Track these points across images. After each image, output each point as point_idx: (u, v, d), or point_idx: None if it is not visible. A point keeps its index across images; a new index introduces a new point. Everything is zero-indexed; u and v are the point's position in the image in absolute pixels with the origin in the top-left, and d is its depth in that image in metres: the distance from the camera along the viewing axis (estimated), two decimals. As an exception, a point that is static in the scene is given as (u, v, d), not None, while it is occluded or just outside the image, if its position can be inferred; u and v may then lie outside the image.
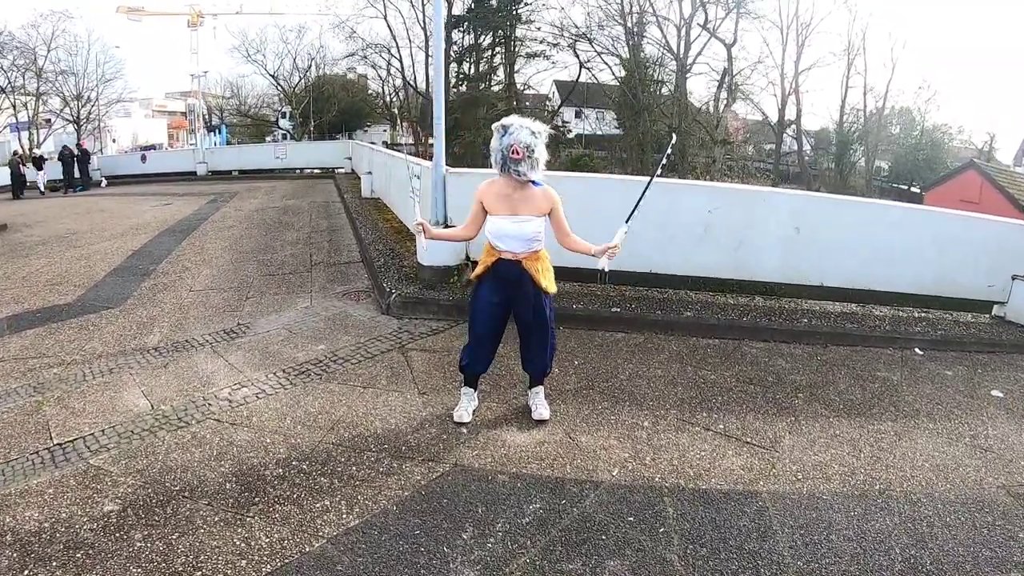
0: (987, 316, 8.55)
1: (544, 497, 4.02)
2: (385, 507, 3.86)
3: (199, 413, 5.02)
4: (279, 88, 49.25)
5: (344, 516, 3.76)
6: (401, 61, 43.86)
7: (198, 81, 33.89)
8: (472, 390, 5.07)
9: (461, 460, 4.40)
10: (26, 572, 3.25)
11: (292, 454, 4.42)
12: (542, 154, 4.39)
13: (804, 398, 5.73)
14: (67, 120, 43.40)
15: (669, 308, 7.50)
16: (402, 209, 12.18)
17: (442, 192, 7.98)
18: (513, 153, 4.29)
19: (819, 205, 8.66)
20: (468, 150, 37.67)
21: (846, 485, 4.38)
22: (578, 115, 48.82)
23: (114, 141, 50.31)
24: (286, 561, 3.38)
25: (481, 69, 43.76)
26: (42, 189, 25.81)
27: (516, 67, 43.86)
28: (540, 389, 5.11)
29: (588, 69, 42.37)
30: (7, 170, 26.04)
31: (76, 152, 28.18)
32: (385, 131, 53.99)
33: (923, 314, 8.19)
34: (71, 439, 4.60)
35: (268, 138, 49.00)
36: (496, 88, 43.79)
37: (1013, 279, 8.41)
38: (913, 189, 40.72)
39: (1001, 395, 6.22)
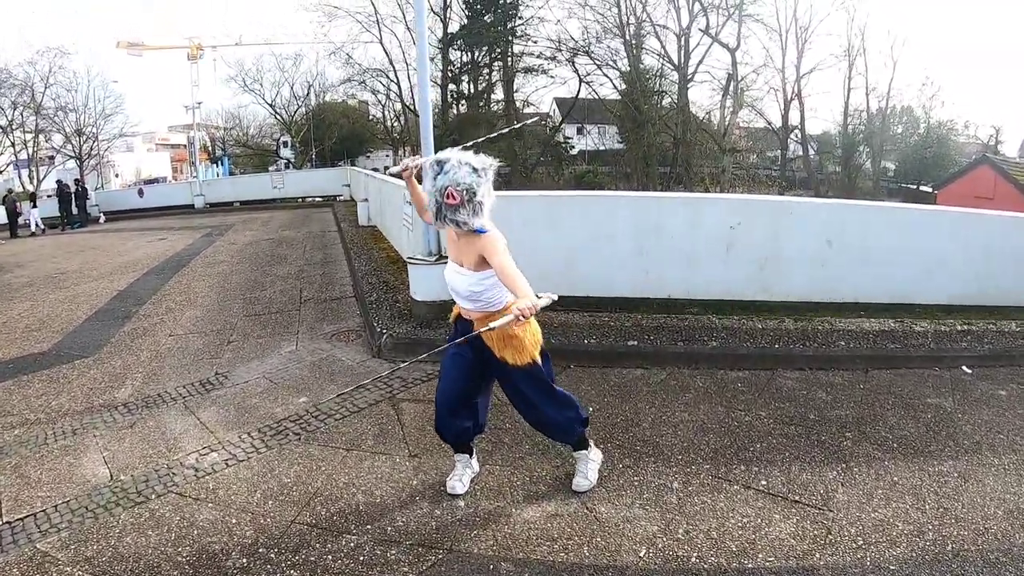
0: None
1: (558, 593, 3.30)
2: (364, 613, 3.15)
3: (161, 485, 4.39)
4: (277, 117, 49.01)
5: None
6: (399, 85, 43.47)
7: (193, 112, 33.54)
8: (466, 455, 4.30)
9: (457, 544, 3.68)
10: None
11: (260, 538, 3.75)
12: (487, 195, 3.58)
13: (852, 438, 5.01)
14: (68, 156, 43.09)
15: (692, 337, 6.76)
16: (397, 237, 11.53)
17: (434, 220, 7.25)
18: (448, 198, 3.49)
19: (854, 214, 7.94)
20: (468, 171, 37.14)
21: (914, 549, 3.68)
22: (580, 131, 48.24)
23: (117, 176, 50.17)
24: None
25: (479, 87, 43.23)
26: (33, 229, 25.14)
27: (515, 85, 43.30)
28: (584, 454, 4.25)
29: (588, 84, 41.82)
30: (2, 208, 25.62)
31: (73, 188, 27.64)
32: (387, 156, 53.66)
33: (966, 326, 7.46)
34: (22, 516, 4.10)
35: (271, 167, 48.71)
36: (495, 107, 43.25)
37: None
38: (923, 188, 39.98)
39: (1063, 415, 5.51)
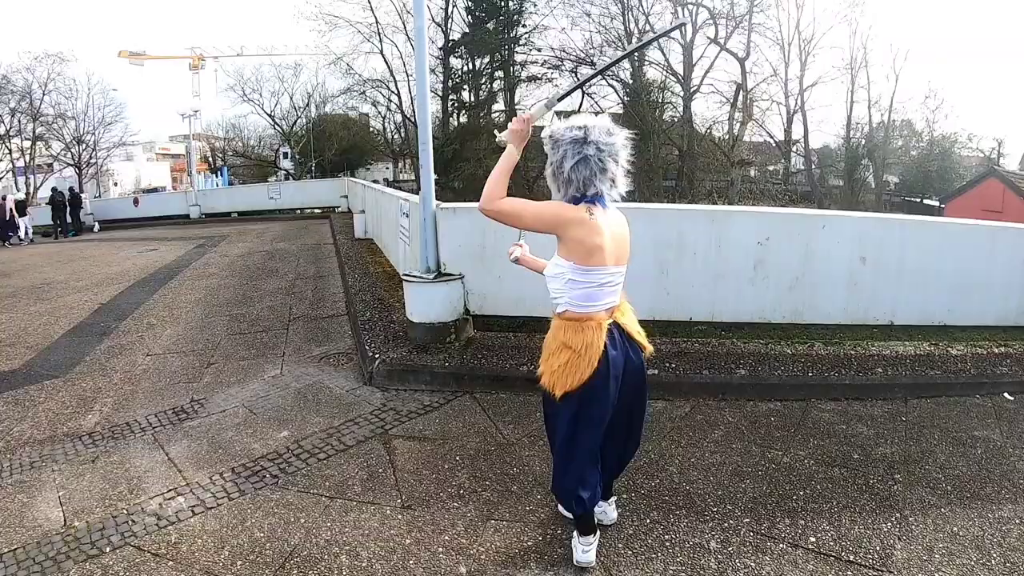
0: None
1: None
2: None
3: (118, 535, 3.80)
4: (277, 128, 48.60)
5: None
6: (399, 96, 42.92)
7: (189, 121, 33.06)
8: (607, 500, 3.79)
9: (457, 626, 3.07)
10: None
11: (224, 611, 3.12)
12: (561, 168, 3.17)
13: (903, 481, 4.44)
14: (67, 164, 42.60)
15: (717, 365, 6.14)
16: (394, 251, 10.95)
17: (432, 232, 6.68)
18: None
19: (889, 229, 7.30)
20: (469, 184, 36.58)
21: (987, 617, 3.10)
22: (581, 144, 47.71)
23: (116, 184, 49.76)
24: None
25: (480, 97, 42.71)
26: (21, 236, 24.42)
27: (517, 95, 42.76)
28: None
29: (591, 96, 41.33)
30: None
31: (67, 196, 27.04)
32: (388, 168, 53.30)
33: (1003, 349, 6.91)
34: (-39, 564, 3.52)
35: (271, 178, 48.31)
36: (496, 116, 42.70)
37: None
38: (929, 201, 39.56)
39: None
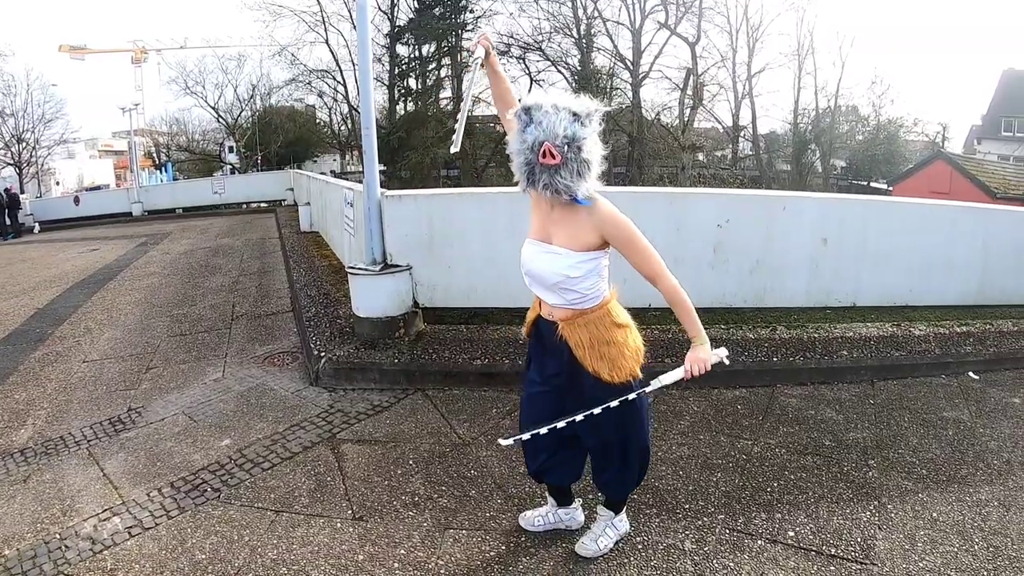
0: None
1: None
2: None
3: (50, 563, 3.45)
4: (221, 121, 47.55)
5: None
6: (345, 86, 42.22)
7: (130, 115, 31.90)
8: (566, 508, 3.54)
9: (416, 648, 2.79)
10: None
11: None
12: (594, 151, 2.69)
13: (877, 467, 4.32)
14: (6, 163, 41.03)
15: (679, 352, 5.87)
16: (339, 244, 10.58)
17: (378, 222, 6.35)
18: (544, 156, 2.61)
19: (850, 210, 7.20)
20: (416, 173, 36.12)
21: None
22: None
23: (58, 184, 48.27)
24: None
25: (427, 84, 42.16)
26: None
27: (464, 82, 42.34)
28: (610, 515, 3.43)
29: (539, 83, 41.09)
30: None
31: (4, 198, 25.93)
32: (335, 160, 52.49)
33: (964, 328, 6.87)
34: None
35: (217, 173, 47.25)
36: (444, 103, 42.20)
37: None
38: (876, 184, 40.25)
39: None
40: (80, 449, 4.80)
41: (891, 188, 33.38)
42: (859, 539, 3.51)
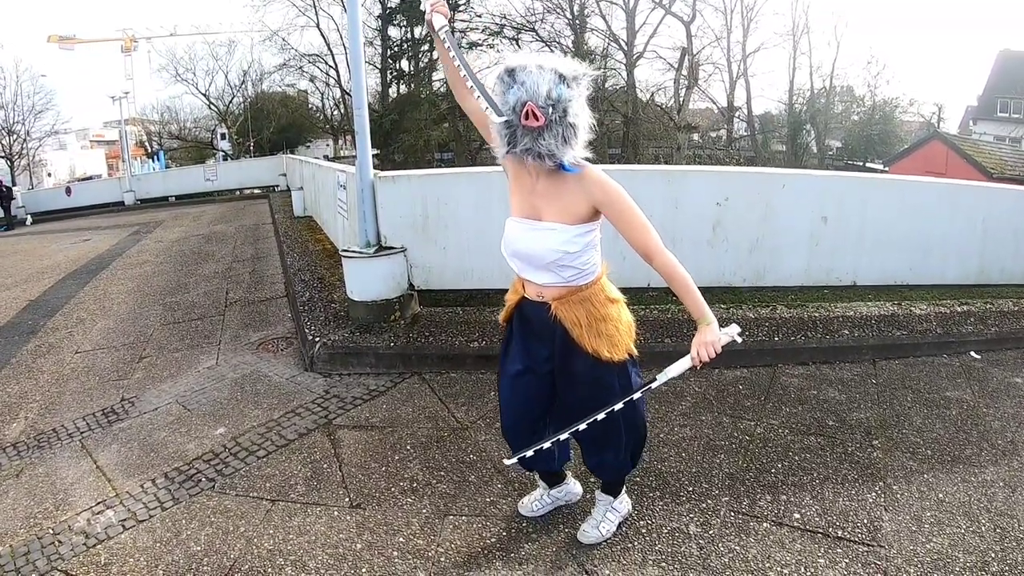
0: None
1: None
2: None
3: (44, 559, 3.38)
4: (213, 108, 47.23)
5: None
6: (337, 71, 41.83)
7: (120, 104, 31.59)
8: (552, 486, 3.46)
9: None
10: None
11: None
12: (582, 115, 2.48)
13: (882, 446, 4.26)
14: (-3, 156, 40.82)
15: (679, 332, 5.83)
16: (332, 227, 10.46)
17: (371, 204, 6.22)
18: (527, 118, 2.40)
19: (851, 188, 7.11)
20: (410, 155, 35.86)
21: (983, 586, 2.98)
22: (522, 113, 47.21)
23: (50, 175, 47.96)
24: None
25: (420, 65, 41.78)
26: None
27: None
28: (609, 500, 3.33)
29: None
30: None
31: (-2, 190, 25.74)
32: (328, 145, 52.22)
33: (965, 307, 6.80)
34: None
35: (210, 160, 46.99)
36: (437, 85, 41.88)
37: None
38: (871, 164, 40.15)
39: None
40: (73, 441, 4.73)
41: (887, 168, 33.37)
42: (865, 521, 3.45)
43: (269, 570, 3.16)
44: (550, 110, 2.40)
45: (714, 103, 43.35)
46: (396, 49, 41.10)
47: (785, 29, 43.72)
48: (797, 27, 41.92)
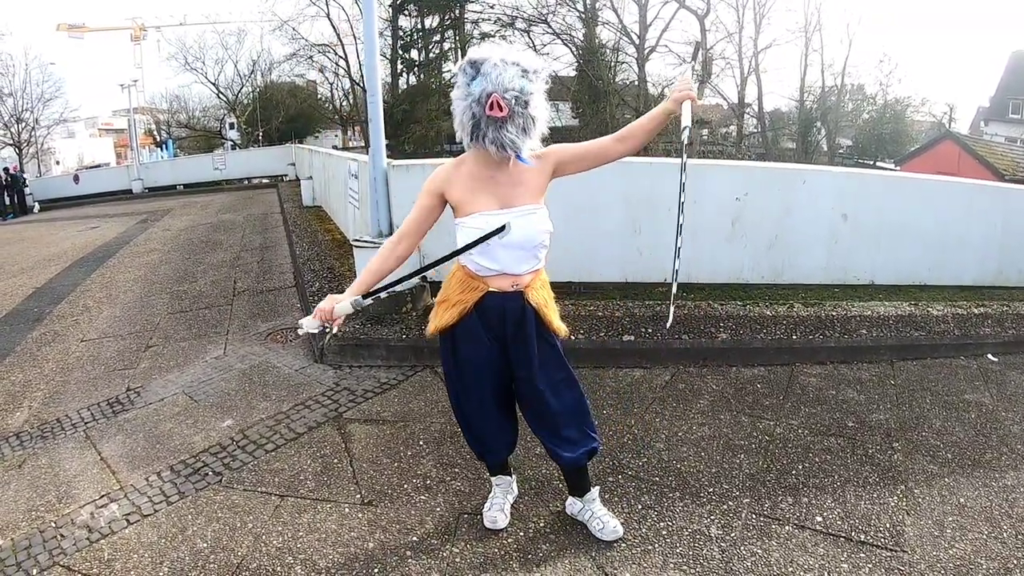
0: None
1: None
2: None
3: (45, 553, 3.28)
4: (222, 97, 47.18)
5: None
6: (347, 60, 41.75)
7: (129, 91, 31.55)
8: (507, 477, 3.39)
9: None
10: None
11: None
12: (540, 108, 2.64)
13: (902, 449, 4.17)
14: (6, 143, 40.71)
15: (696, 329, 5.74)
16: (343, 217, 10.36)
17: (384, 192, 6.12)
18: (491, 108, 2.52)
19: (872, 185, 6.99)
20: (420, 146, 35.72)
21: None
22: (532, 107, 46.96)
23: (58, 163, 47.98)
24: None
25: (430, 56, 41.61)
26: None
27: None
28: (595, 493, 3.30)
29: (543, 57, 40.47)
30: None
31: (4, 177, 25.67)
32: (336, 136, 52.14)
33: (982, 309, 6.72)
34: None
35: (218, 150, 46.97)
36: (447, 75, 41.69)
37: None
38: (882, 164, 39.91)
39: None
40: (77, 432, 4.64)
41: (898, 167, 33.17)
42: (888, 525, 3.36)
43: (278, 568, 3.07)
44: (513, 101, 2.54)
45: (725, 99, 43.12)
46: (407, 39, 40.93)
47: (797, 26, 43.47)
48: (809, 24, 41.55)
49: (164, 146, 51.05)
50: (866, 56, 74.84)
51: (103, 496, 3.78)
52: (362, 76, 37.72)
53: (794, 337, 5.71)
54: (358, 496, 3.64)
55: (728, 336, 5.64)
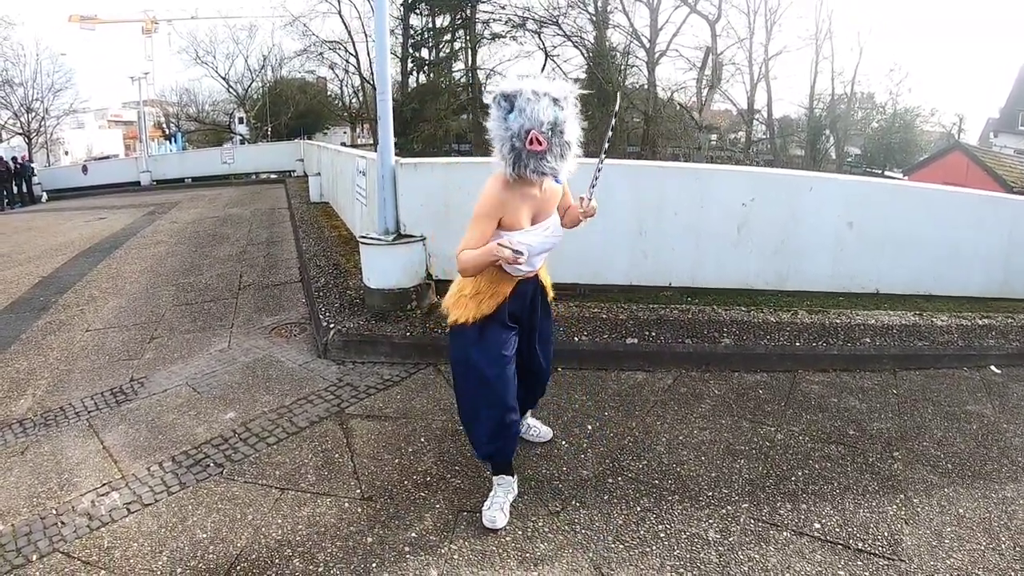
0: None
1: None
2: None
3: (46, 540, 3.31)
4: (232, 91, 47.31)
5: None
6: (357, 58, 41.77)
7: (139, 84, 31.65)
8: (510, 477, 3.46)
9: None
10: None
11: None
12: (573, 132, 2.92)
13: (902, 459, 4.16)
14: (15, 133, 40.84)
15: (699, 333, 5.74)
16: (350, 213, 10.37)
17: (391, 190, 6.11)
18: (532, 143, 2.79)
19: (879, 193, 6.96)
20: (428, 144, 35.79)
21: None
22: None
23: (67, 153, 48.15)
24: None
25: (441, 55, 41.63)
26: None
27: (479, 54, 41.63)
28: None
29: (553, 59, 40.51)
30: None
31: (12, 166, 25.70)
32: (345, 133, 52.21)
33: (986, 320, 6.65)
34: None
35: (227, 144, 47.05)
36: (457, 75, 41.71)
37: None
38: (890, 173, 39.84)
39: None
40: (80, 420, 4.68)
41: (906, 177, 33.09)
42: (886, 533, 3.37)
43: (277, 561, 3.09)
44: (550, 133, 2.82)
45: (734, 104, 43.15)
46: (418, 38, 40.99)
47: (808, 33, 43.20)
48: (820, 31, 41.61)
49: (173, 139, 51.26)
50: (876, 65, 74.88)
51: (104, 484, 3.81)
52: (372, 73, 37.84)
53: (797, 344, 5.71)
54: (358, 491, 3.66)
55: (731, 341, 5.64)
